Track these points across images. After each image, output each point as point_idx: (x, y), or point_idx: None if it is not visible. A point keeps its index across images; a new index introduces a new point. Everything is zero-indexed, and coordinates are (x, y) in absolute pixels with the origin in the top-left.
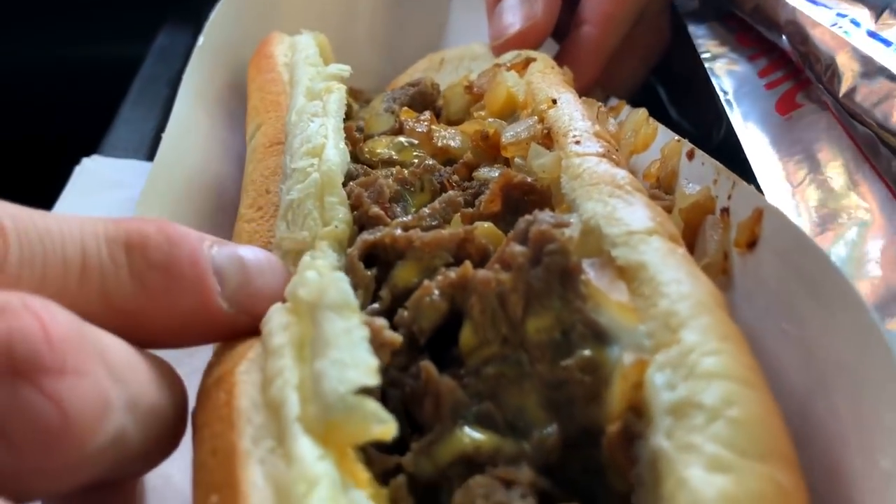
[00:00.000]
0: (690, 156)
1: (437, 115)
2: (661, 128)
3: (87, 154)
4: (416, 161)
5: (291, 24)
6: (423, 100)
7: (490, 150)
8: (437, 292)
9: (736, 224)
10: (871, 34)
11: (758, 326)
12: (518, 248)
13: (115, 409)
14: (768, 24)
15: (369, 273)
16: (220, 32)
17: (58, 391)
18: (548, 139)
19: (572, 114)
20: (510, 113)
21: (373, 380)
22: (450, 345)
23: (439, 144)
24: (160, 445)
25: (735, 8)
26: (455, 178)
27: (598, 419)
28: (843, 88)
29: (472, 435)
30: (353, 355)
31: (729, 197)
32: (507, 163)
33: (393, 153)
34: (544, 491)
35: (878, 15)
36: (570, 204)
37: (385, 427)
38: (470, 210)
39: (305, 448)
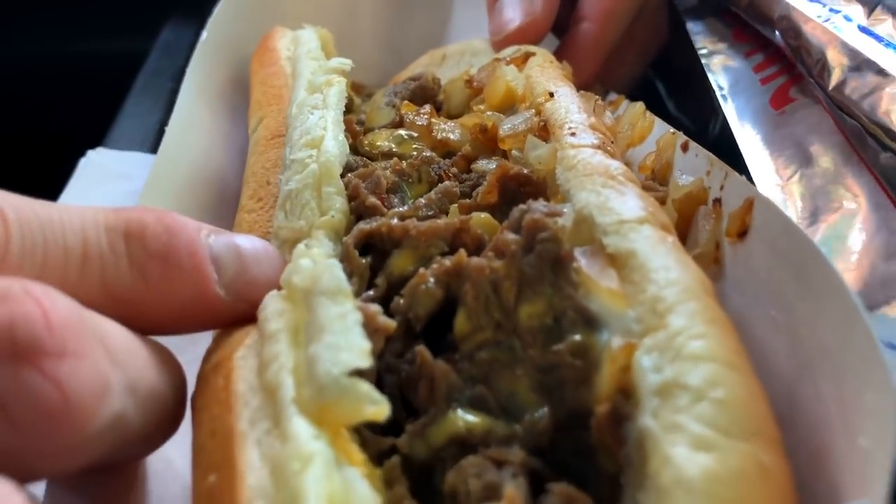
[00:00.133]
0: (685, 148)
1: (438, 109)
2: (658, 121)
3: (93, 146)
4: (415, 153)
5: (294, 19)
6: (424, 94)
7: (488, 142)
8: (432, 280)
9: (727, 214)
10: (863, 29)
11: (748, 314)
12: (511, 236)
13: (115, 391)
14: (762, 19)
15: (364, 261)
16: (223, 28)
17: (58, 373)
18: (544, 131)
19: (569, 107)
20: (509, 106)
21: (366, 362)
22: (445, 331)
23: (439, 137)
24: (160, 428)
25: (731, 4)
26: (454, 170)
27: (588, 402)
28: (833, 82)
29: (465, 417)
30: (347, 339)
31: (721, 188)
32: (505, 155)
33: (393, 146)
34: (535, 471)
35: (870, 11)
36: (565, 194)
37: (378, 408)
38: (467, 201)
39: (300, 428)
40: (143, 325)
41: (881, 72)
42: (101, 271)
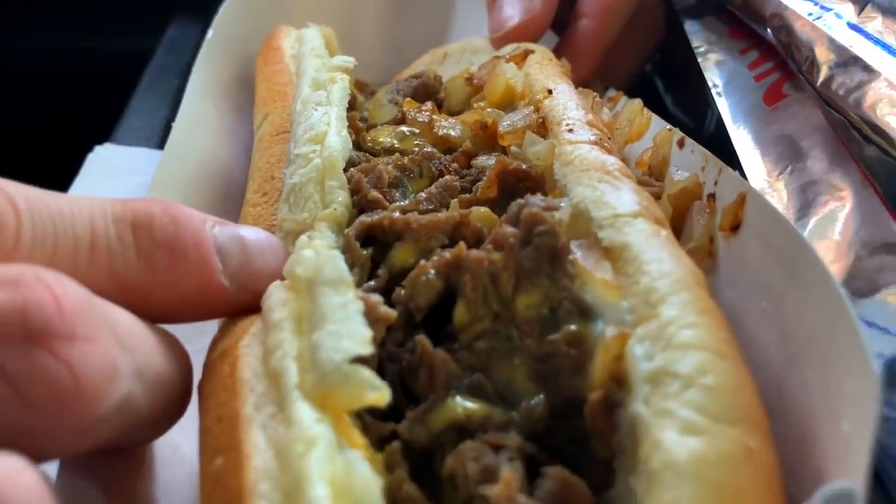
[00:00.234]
0: (681, 144)
1: (440, 106)
2: (655, 118)
3: (100, 142)
4: (416, 149)
5: (299, 18)
6: (426, 91)
7: (488, 138)
8: (432, 271)
9: (721, 209)
10: (853, 26)
11: (740, 307)
12: (509, 230)
13: (123, 374)
14: (756, 17)
15: (365, 252)
16: (228, 26)
17: (69, 355)
18: (543, 128)
19: (567, 103)
20: (509, 103)
21: (367, 349)
22: (445, 322)
23: (440, 134)
24: (167, 412)
25: (727, 3)
26: (454, 165)
27: (583, 390)
28: (821, 78)
29: (463, 404)
30: (349, 327)
31: (715, 183)
32: (504, 151)
33: (395, 142)
34: (531, 456)
35: (861, 8)
36: (562, 189)
37: (379, 394)
38: (467, 196)
39: (304, 412)
40: (150, 312)
41: (867, 68)
42: (110, 260)
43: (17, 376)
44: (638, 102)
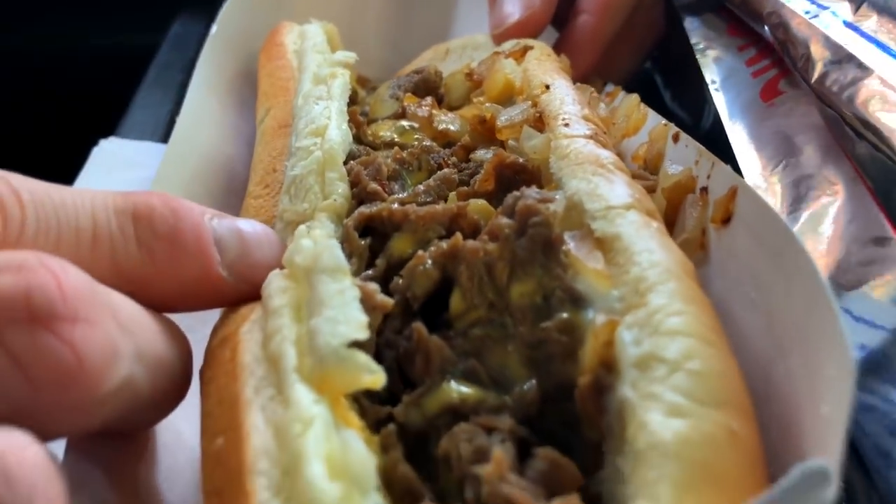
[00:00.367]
0: (676, 138)
1: (440, 101)
2: (652, 113)
3: (105, 135)
4: (416, 143)
5: (301, 15)
6: (427, 87)
7: (487, 133)
8: (429, 261)
9: (713, 201)
10: (848, 25)
11: (730, 297)
12: (505, 221)
13: (124, 356)
14: (754, 15)
15: (363, 242)
16: (232, 23)
17: (71, 337)
18: (540, 122)
19: (563, 98)
20: (507, 98)
21: (363, 334)
22: (441, 310)
23: (439, 128)
24: (167, 395)
25: (726, 1)
26: (453, 159)
27: (574, 375)
28: (815, 74)
29: (458, 388)
30: (345, 313)
31: (708, 177)
32: (502, 145)
33: (395, 136)
34: (523, 438)
35: (857, 7)
36: (558, 182)
37: (374, 377)
38: (465, 188)
39: (302, 394)
40: (151, 302)
41: (861, 66)
42: (111, 251)
43: (23, 356)
44: (635, 98)
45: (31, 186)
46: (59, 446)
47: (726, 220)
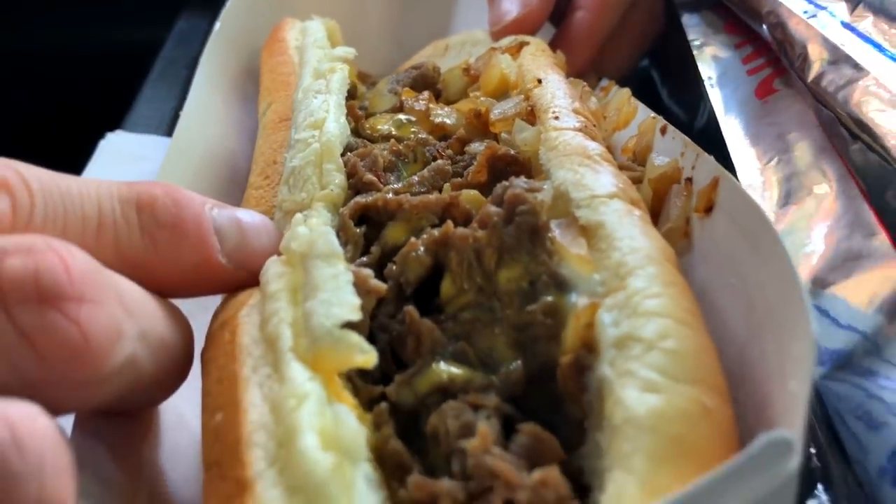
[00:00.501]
0: (663, 131)
1: (438, 96)
2: (641, 106)
3: (112, 129)
4: (412, 136)
5: (304, 12)
6: (425, 82)
7: (482, 126)
8: (422, 248)
9: (696, 192)
10: (845, 25)
11: (712, 283)
12: (493, 209)
13: (128, 335)
14: (752, 13)
15: (358, 231)
16: (235, 19)
17: (78, 315)
18: (532, 115)
19: (555, 92)
20: (503, 93)
21: (355, 316)
22: (433, 295)
23: (435, 121)
24: (170, 375)
25: None
26: (448, 151)
27: (557, 355)
28: (812, 74)
29: (448, 369)
30: (339, 296)
31: (693, 167)
32: (496, 138)
33: (392, 129)
34: (508, 415)
35: (853, 7)
36: (547, 173)
37: (366, 356)
38: (459, 179)
39: (297, 371)
40: (153, 287)
41: (857, 66)
42: (115, 238)
43: (32, 333)
44: (626, 92)
45: (40, 175)
46: (66, 428)
47: (709, 209)
